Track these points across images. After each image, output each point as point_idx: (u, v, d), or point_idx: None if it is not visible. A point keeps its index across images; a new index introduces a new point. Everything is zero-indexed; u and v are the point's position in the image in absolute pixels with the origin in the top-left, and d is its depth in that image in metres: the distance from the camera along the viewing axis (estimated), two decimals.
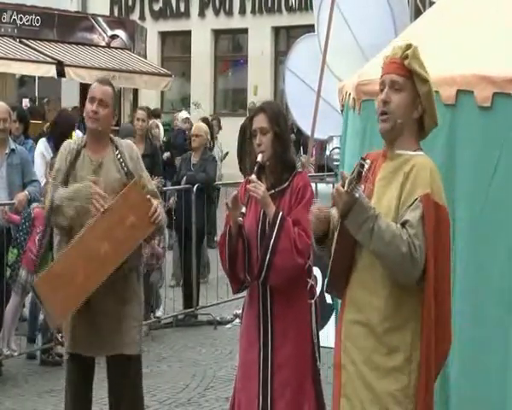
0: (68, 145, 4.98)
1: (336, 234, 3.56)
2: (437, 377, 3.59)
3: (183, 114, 13.17)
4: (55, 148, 8.15)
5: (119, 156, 4.90)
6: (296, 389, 4.49)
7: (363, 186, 3.41)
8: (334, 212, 3.59)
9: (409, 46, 3.57)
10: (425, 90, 3.53)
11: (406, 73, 3.53)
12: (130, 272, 4.91)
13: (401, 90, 3.53)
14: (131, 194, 4.78)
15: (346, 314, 3.58)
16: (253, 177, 4.41)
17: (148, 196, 4.82)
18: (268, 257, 4.39)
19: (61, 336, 4.95)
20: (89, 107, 4.88)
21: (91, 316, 4.78)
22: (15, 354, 7.40)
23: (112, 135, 5.03)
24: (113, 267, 4.72)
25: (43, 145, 8.28)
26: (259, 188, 4.39)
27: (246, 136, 4.86)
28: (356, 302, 3.54)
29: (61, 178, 4.86)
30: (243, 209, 4.36)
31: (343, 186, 3.37)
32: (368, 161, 3.34)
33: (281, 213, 4.41)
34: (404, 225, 3.38)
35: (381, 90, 3.58)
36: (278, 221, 4.39)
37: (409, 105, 3.53)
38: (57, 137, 7.98)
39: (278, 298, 4.48)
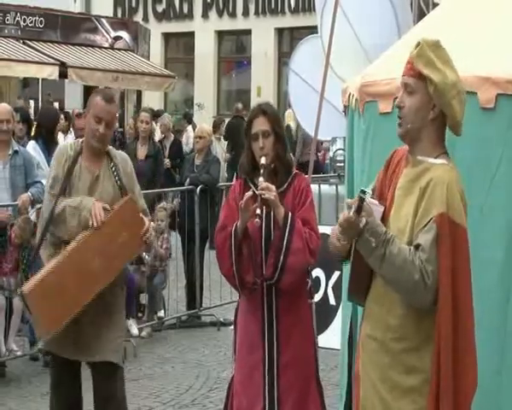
0: (65, 151, 4.89)
1: (352, 251, 3.46)
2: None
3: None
4: (45, 146, 8.25)
5: (113, 169, 4.85)
6: (302, 389, 4.49)
7: (376, 204, 3.36)
8: None
9: (417, 44, 3.41)
10: (433, 88, 3.35)
11: (417, 73, 3.38)
12: (116, 282, 4.87)
13: (413, 92, 3.38)
14: (124, 211, 4.76)
15: (364, 327, 3.51)
16: (262, 179, 4.39)
17: (141, 216, 4.82)
18: (282, 258, 4.37)
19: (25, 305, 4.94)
20: (95, 126, 4.78)
21: (75, 322, 4.73)
22: (18, 353, 7.39)
23: (109, 147, 4.96)
24: (104, 284, 4.70)
25: (31, 147, 8.32)
26: (271, 190, 4.38)
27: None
28: (373, 318, 3.45)
29: (58, 188, 4.79)
30: (258, 211, 4.33)
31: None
32: (368, 193, 3.29)
33: (290, 214, 4.40)
34: (417, 248, 3.26)
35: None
36: (289, 222, 4.38)
37: (421, 108, 3.37)
38: (44, 136, 8.32)
39: (283, 300, 4.48)
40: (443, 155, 3.42)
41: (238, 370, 4.63)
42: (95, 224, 4.65)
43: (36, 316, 4.84)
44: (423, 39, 3.43)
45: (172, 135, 13.32)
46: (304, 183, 4.58)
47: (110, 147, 5.00)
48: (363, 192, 3.27)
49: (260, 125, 4.50)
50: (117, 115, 4.93)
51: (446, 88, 3.36)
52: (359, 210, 3.25)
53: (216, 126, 14.89)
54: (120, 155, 5.04)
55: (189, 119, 18.64)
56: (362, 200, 3.25)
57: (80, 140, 4.98)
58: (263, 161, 4.45)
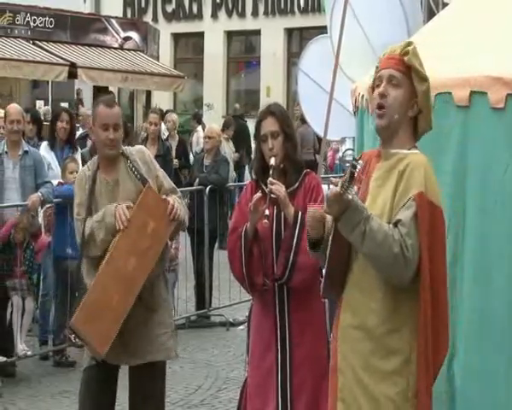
0: (83, 174, 4.90)
1: (331, 238, 3.52)
2: (435, 381, 3.51)
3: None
4: (50, 146, 8.40)
5: (131, 166, 4.83)
6: (314, 388, 4.49)
7: (356, 188, 3.39)
8: (329, 216, 3.55)
9: (409, 43, 3.53)
10: (423, 88, 3.48)
11: (405, 69, 3.48)
12: (157, 279, 4.85)
13: (398, 85, 3.47)
14: (146, 201, 4.73)
15: (343, 318, 3.56)
16: (271, 179, 4.39)
17: (163, 196, 4.78)
18: (292, 257, 4.38)
19: (75, 337, 4.88)
20: (103, 135, 4.76)
21: (123, 326, 4.68)
22: (29, 352, 7.42)
23: (122, 147, 4.93)
24: (144, 278, 4.66)
25: (44, 148, 8.38)
26: (281, 189, 4.38)
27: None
28: (352, 306, 3.51)
29: (84, 212, 4.78)
30: (267, 212, 4.34)
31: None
32: (360, 162, 3.32)
33: (300, 213, 4.40)
34: (396, 224, 3.34)
35: (378, 86, 3.53)
36: (299, 221, 4.38)
37: (405, 102, 3.47)
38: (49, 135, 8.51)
39: (295, 298, 4.48)
40: (414, 149, 3.53)
41: (252, 374, 4.62)
42: (121, 226, 4.63)
43: (88, 341, 4.75)
44: (408, 42, 3.56)
45: (177, 135, 13.35)
46: (314, 181, 4.58)
47: (124, 147, 4.98)
48: (356, 160, 3.30)
49: (269, 126, 4.50)
50: (121, 115, 4.88)
51: (429, 89, 3.52)
52: (352, 178, 3.27)
53: (226, 126, 14.91)
54: (135, 149, 5.03)
55: (198, 119, 18.66)
56: (354, 167, 3.26)
57: (96, 157, 4.96)
58: (272, 161, 4.46)
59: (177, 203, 4.78)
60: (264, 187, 4.48)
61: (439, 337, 3.42)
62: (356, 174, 3.27)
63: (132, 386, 4.87)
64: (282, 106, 4.80)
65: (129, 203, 4.71)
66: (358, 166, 3.27)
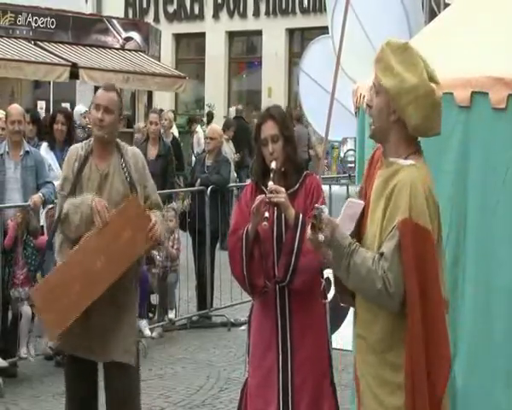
0: (76, 151, 4.94)
1: None
2: (441, 400, 3.42)
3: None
4: (50, 147, 8.36)
5: (123, 165, 4.86)
6: (315, 389, 4.49)
7: (355, 202, 3.46)
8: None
9: (382, 45, 3.45)
10: (391, 91, 3.37)
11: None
12: (130, 282, 4.90)
13: (378, 92, 3.44)
14: (130, 209, 4.76)
15: (354, 327, 3.59)
16: (271, 183, 4.39)
17: (147, 213, 4.80)
18: (293, 259, 4.38)
19: (31, 306, 5.00)
20: (94, 114, 4.86)
21: (89, 322, 4.75)
22: (31, 359, 7.39)
23: (118, 141, 4.99)
24: (108, 283, 4.70)
25: (44, 149, 8.38)
26: (281, 192, 4.38)
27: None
28: (360, 318, 3.53)
29: (68, 188, 4.84)
30: (267, 214, 4.34)
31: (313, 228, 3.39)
32: (322, 207, 3.38)
33: (301, 215, 4.40)
34: (381, 256, 3.31)
35: None
36: (300, 223, 4.38)
37: (383, 108, 3.42)
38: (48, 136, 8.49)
39: (296, 299, 4.48)
40: (413, 155, 3.44)
41: (253, 374, 4.61)
42: (100, 224, 4.68)
43: (41, 315, 4.90)
44: (388, 42, 3.45)
45: (171, 134, 13.34)
46: (315, 182, 4.58)
47: (122, 143, 5.02)
48: (317, 209, 3.37)
49: (269, 130, 4.50)
50: (117, 102, 4.91)
51: (400, 93, 3.36)
52: (313, 227, 3.35)
53: (226, 127, 14.91)
54: (132, 150, 5.06)
55: (194, 121, 18.70)
56: (314, 217, 3.34)
57: (91, 140, 5.01)
58: (273, 165, 4.45)
59: (159, 222, 4.82)
60: (265, 189, 4.47)
61: (437, 359, 3.35)
62: (317, 222, 3.33)
63: (106, 386, 4.94)
64: (282, 108, 4.80)
65: (104, 202, 4.73)
66: (322, 214, 3.33)
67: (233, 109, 19.38)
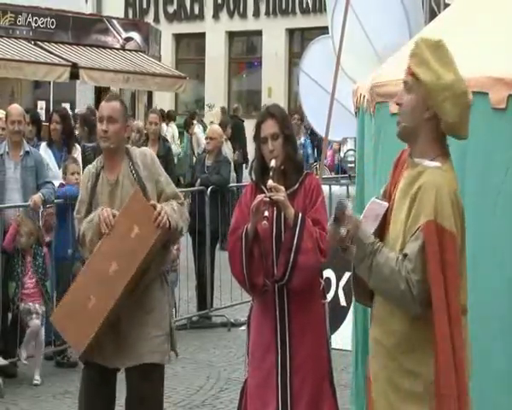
0: (88, 172, 4.96)
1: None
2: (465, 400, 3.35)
3: None
4: (48, 146, 8.42)
5: (132, 169, 4.85)
6: (315, 389, 4.49)
7: (378, 203, 3.40)
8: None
9: (417, 41, 3.40)
10: (423, 89, 3.32)
11: (413, 71, 3.37)
12: (154, 281, 4.86)
13: (410, 90, 3.37)
14: (132, 205, 4.74)
15: (371, 330, 3.53)
16: (271, 181, 4.39)
17: (152, 202, 4.75)
18: (292, 257, 4.37)
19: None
20: (99, 127, 4.87)
21: (115, 326, 4.73)
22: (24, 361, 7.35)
23: (128, 146, 4.98)
24: (125, 281, 4.67)
25: (43, 149, 8.39)
26: (280, 191, 4.38)
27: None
28: (377, 320, 3.47)
29: (84, 210, 4.85)
30: (266, 213, 4.34)
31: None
32: (346, 201, 3.35)
33: (301, 214, 4.40)
34: (404, 257, 3.27)
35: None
36: (299, 222, 4.38)
37: (416, 107, 3.35)
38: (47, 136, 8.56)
39: (295, 299, 4.48)
40: (440, 157, 3.38)
41: (252, 375, 4.62)
42: (104, 230, 4.67)
43: (66, 337, 4.97)
44: (422, 38, 3.41)
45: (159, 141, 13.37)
46: (314, 182, 4.59)
47: (131, 147, 5.02)
48: (341, 203, 3.34)
49: (269, 128, 4.50)
50: (121, 111, 4.90)
51: (437, 89, 3.31)
52: (336, 220, 3.32)
53: (223, 126, 14.92)
54: (140, 151, 5.05)
55: (190, 122, 18.71)
56: (338, 210, 3.30)
57: (101, 156, 5.01)
58: (273, 163, 4.46)
59: (170, 210, 4.72)
60: (265, 188, 4.47)
61: (458, 355, 3.29)
62: (344, 216, 3.30)
63: (128, 388, 4.87)
64: (282, 107, 4.81)
65: (115, 211, 4.73)
66: (346, 209, 3.31)
67: (216, 111, 19.34)
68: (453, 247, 3.28)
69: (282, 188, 4.41)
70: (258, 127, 4.56)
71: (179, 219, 4.78)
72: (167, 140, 12.23)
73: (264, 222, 4.30)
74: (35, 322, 7.09)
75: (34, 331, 7.13)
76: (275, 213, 4.47)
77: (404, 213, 3.32)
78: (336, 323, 7.68)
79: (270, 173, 4.43)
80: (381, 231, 3.44)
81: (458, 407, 3.25)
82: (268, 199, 4.36)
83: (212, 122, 18.08)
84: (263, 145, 4.51)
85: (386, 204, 3.47)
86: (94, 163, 5.02)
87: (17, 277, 7.10)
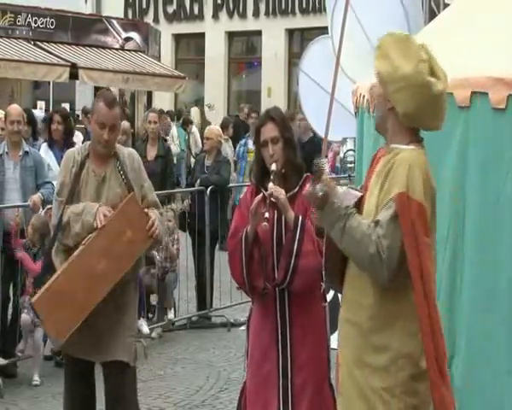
0: (72, 156, 4.93)
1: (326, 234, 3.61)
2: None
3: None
4: (49, 146, 8.37)
5: (119, 168, 4.86)
6: (316, 391, 4.49)
7: (352, 190, 3.53)
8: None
9: (384, 35, 3.52)
10: (381, 80, 3.48)
11: None
12: (128, 283, 4.91)
13: (380, 82, 3.52)
14: (128, 209, 4.76)
15: (341, 312, 3.63)
16: (271, 184, 4.39)
17: (146, 210, 4.80)
18: (293, 261, 4.37)
19: (34, 315, 4.99)
20: (99, 133, 4.81)
21: (88, 323, 4.75)
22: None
23: (116, 146, 4.96)
24: (111, 284, 4.71)
25: (43, 150, 8.40)
26: (280, 193, 4.37)
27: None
28: (347, 301, 3.57)
29: (66, 194, 4.82)
30: (266, 214, 4.33)
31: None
32: (323, 160, 3.46)
33: (301, 217, 4.39)
34: (376, 224, 3.37)
35: None
36: (299, 225, 4.37)
37: (380, 98, 3.51)
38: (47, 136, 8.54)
39: (296, 302, 4.47)
40: (414, 142, 3.49)
41: (251, 378, 4.60)
42: (98, 224, 4.67)
43: (45, 324, 4.88)
44: (390, 32, 3.51)
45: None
46: None
47: (118, 145, 5.01)
48: (318, 164, 3.45)
49: (269, 132, 4.49)
50: (119, 116, 4.92)
51: (391, 80, 3.43)
52: (317, 177, 3.45)
53: (224, 126, 14.92)
54: (128, 150, 5.06)
55: (188, 121, 18.75)
56: (315, 171, 3.43)
57: (88, 143, 5.00)
58: (273, 167, 4.44)
59: (158, 221, 4.81)
60: (265, 191, 4.47)
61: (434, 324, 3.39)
62: (318, 173, 3.40)
63: (105, 386, 4.95)
64: (281, 110, 4.80)
65: (109, 208, 4.74)
66: (321, 165, 3.41)
67: (195, 110, 19.36)
68: (423, 219, 3.37)
69: (283, 191, 4.40)
70: (258, 131, 4.56)
71: (163, 230, 4.95)
72: (166, 139, 12.27)
73: (265, 224, 4.29)
74: (24, 317, 7.11)
75: (24, 326, 7.13)
76: (275, 216, 4.46)
77: (378, 188, 3.44)
78: (335, 323, 7.68)
79: (271, 177, 4.42)
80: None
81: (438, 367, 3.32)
82: (267, 196, 4.35)
83: (191, 122, 18.19)
84: (263, 149, 4.51)
85: (359, 193, 3.58)
86: (78, 149, 5.00)
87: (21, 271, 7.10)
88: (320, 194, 3.44)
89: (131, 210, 4.77)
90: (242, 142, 12.37)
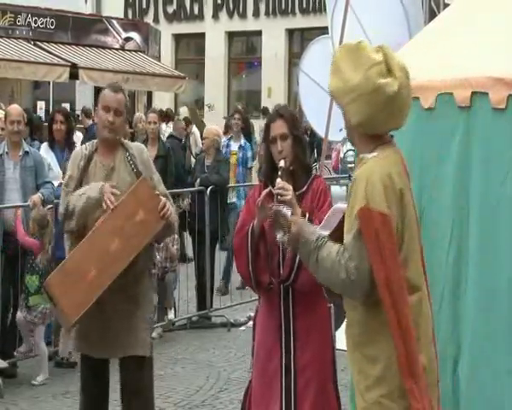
0: (80, 151, 5.00)
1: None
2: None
3: None
4: (50, 147, 8.38)
5: (129, 158, 4.91)
6: (319, 391, 4.48)
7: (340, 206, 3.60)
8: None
9: (337, 49, 3.57)
10: (333, 95, 3.52)
11: None
12: (142, 273, 4.92)
13: (333, 99, 3.58)
14: (140, 190, 4.78)
15: (344, 325, 3.65)
16: (279, 180, 4.39)
17: (157, 192, 4.83)
18: (298, 258, 4.36)
19: (49, 298, 4.99)
20: (104, 116, 4.86)
21: (102, 317, 4.78)
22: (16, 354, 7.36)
23: (121, 139, 5.03)
24: (124, 264, 4.71)
25: (44, 149, 8.40)
26: (288, 190, 4.37)
27: None
28: (347, 317, 3.60)
29: (73, 185, 4.87)
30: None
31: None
32: (280, 208, 3.62)
33: (308, 214, 4.39)
34: (345, 248, 3.39)
35: None
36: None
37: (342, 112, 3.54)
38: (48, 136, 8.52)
39: (301, 301, 4.46)
40: (378, 147, 3.46)
41: (256, 377, 4.60)
42: (110, 206, 4.68)
43: (59, 304, 4.84)
44: (343, 44, 3.53)
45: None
46: (322, 185, 4.58)
47: (125, 140, 5.07)
48: (276, 210, 3.60)
49: (278, 128, 4.50)
50: (126, 104, 4.96)
51: (342, 93, 3.43)
52: (277, 228, 3.62)
53: (228, 127, 14.92)
54: (135, 145, 5.12)
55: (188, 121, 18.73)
56: (276, 219, 3.59)
57: (95, 141, 5.05)
58: (282, 164, 4.44)
59: (168, 204, 4.84)
60: (273, 188, 4.46)
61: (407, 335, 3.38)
62: (280, 220, 3.55)
63: (122, 380, 4.98)
64: (292, 108, 4.80)
65: (115, 190, 4.75)
66: (281, 213, 3.56)
67: (184, 110, 19.32)
68: (387, 228, 3.34)
69: (290, 187, 4.39)
70: (267, 128, 4.56)
71: (174, 216, 4.91)
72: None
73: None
74: (18, 315, 7.14)
75: (19, 324, 7.16)
76: None
77: (349, 209, 3.45)
78: (337, 323, 7.68)
79: (279, 173, 4.42)
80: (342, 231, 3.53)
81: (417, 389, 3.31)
82: (274, 192, 4.35)
83: (178, 119, 18.16)
84: (272, 146, 4.51)
85: (345, 207, 3.58)
86: (86, 145, 5.05)
87: (39, 270, 7.09)
88: (286, 241, 3.55)
89: (143, 192, 4.79)
90: (224, 143, 11.97)
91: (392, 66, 3.41)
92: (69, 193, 4.86)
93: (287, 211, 3.57)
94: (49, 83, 21.70)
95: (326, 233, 3.54)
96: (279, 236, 3.67)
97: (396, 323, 3.32)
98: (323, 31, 11.63)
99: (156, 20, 26.12)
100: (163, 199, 4.81)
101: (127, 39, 21.45)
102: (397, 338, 3.33)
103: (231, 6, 25.42)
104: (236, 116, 11.99)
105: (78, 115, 18.12)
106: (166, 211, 4.77)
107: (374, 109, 3.37)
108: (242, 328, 9.01)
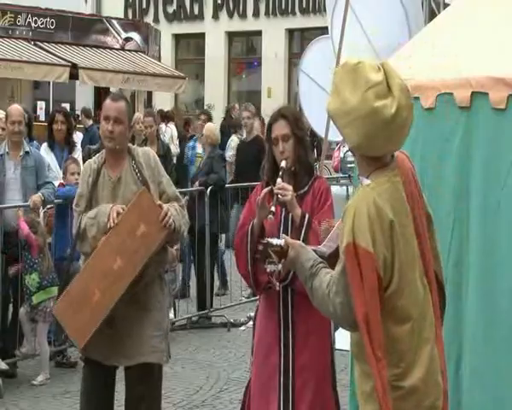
0: (89, 166, 4.98)
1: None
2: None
3: None
4: (49, 147, 8.43)
5: (135, 167, 4.89)
6: (317, 393, 4.48)
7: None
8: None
9: (336, 69, 3.47)
10: (331, 116, 3.43)
11: None
12: (153, 280, 4.89)
13: (332, 120, 3.51)
14: (140, 203, 4.77)
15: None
16: (280, 180, 4.39)
17: (159, 202, 4.80)
18: None
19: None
20: (104, 126, 4.87)
21: (112, 323, 4.75)
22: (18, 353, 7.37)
23: (130, 145, 5.02)
24: (129, 280, 4.69)
25: (44, 149, 8.42)
26: (288, 190, 4.37)
27: None
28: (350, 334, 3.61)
29: (84, 204, 4.87)
30: (273, 208, 4.33)
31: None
32: (272, 241, 3.53)
33: (307, 215, 4.40)
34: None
35: None
36: (306, 223, 4.38)
37: None
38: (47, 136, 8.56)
39: (299, 302, 4.46)
40: (374, 172, 3.36)
41: (256, 376, 4.61)
42: (111, 223, 4.69)
43: (67, 330, 4.93)
44: (344, 62, 3.39)
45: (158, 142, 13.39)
46: (323, 186, 4.58)
47: (132, 146, 5.07)
48: (266, 243, 3.54)
49: (280, 129, 4.50)
50: (127, 112, 4.95)
51: (340, 115, 3.33)
52: (270, 261, 3.59)
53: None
54: (142, 150, 5.09)
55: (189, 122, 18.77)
56: (266, 249, 3.53)
57: (103, 151, 5.04)
58: (283, 164, 4.45)
59: (174, 211, 4.80)
60: (274, 187, 4.47)
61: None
62: (274, 249, 3.52)
63: (127, 387, 4.92)
64: (294, 109, 4.80)
65: (123, 206, 4.76)
66: (272, 243, 3.51)
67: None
68: (369, 264, 3.26)
69: (290, 187, 4.39)
70: (269, 128, 4.56)
71: (181, 221, 4.87)
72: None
73: (270, 216, 4.30)
74: (20, 311, 7.16)
75: (21, 319, 7.16)
76: (283, 213, 4.47)
77: (340, 237, 3.42)
78: (335, 323, 7.68)
79: (280, 173, 4.42)
80: None
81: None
82: (275, 195, 4.35)
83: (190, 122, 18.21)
84: (274, 146, 4.51)
85: None
86: (95, 158, 5.04)
87: (38, 268, 7.10)
88: (279, 269, 3.62)
89: (143, 204, 4.78)
90: (190, 144, 11.56)
91: (392, 85, 3.29)
92: (81, 213, 4.86)
93: (278, 241, 3.51)
94: (48, 83, 21.71)
95: (334, 246, 3.52)
96: (270, 267, 3.67)
97: (373, 356, 3.29)
98: (323, 31, 11.65)
99: (156, 20, 26.13)
100: (164, 208, 4.76)
101: (127, 39, 21.47)
102: (374, 369, 3.30)
103: (231, 6, 25.43)
104: (202, 117, 11.79)
105: (78, 115, 18.13)
106: (168, 219, 4.74)
107: (371, 132, 3.27)
108: (242, 328, 9.02)
